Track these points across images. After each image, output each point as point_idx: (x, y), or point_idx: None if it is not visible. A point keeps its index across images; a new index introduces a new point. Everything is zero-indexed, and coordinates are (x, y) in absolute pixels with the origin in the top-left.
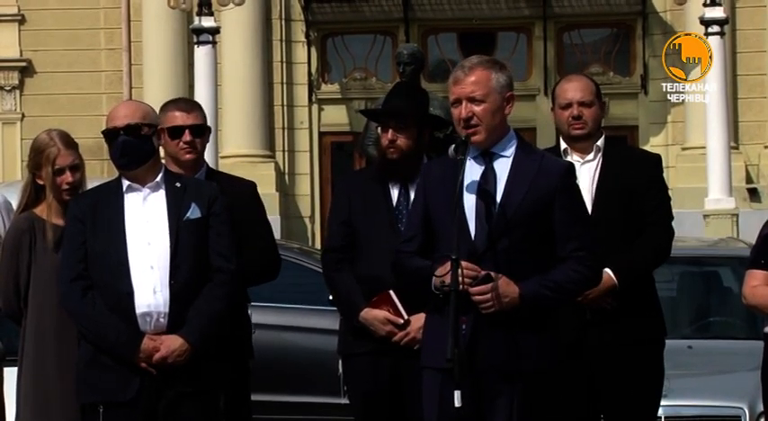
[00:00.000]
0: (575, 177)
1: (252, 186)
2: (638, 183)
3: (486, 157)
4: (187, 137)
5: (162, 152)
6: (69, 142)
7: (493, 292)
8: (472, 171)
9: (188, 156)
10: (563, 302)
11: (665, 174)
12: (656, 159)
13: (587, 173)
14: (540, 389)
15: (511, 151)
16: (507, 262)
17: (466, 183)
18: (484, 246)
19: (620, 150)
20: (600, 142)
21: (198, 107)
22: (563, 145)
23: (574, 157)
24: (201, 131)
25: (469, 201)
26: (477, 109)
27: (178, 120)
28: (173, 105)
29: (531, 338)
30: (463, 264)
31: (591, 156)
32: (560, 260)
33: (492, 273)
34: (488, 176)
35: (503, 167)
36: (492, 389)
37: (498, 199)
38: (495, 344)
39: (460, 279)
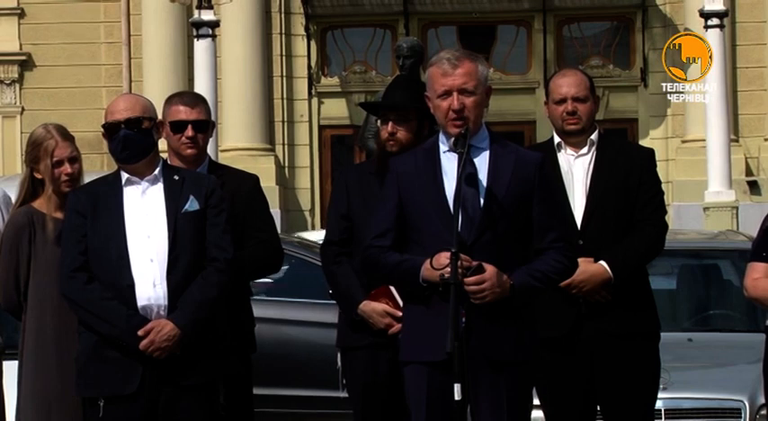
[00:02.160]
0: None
1: (254, 179)
2: (632, 177)
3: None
4: (189, 132)
5: (164, 145)
6: (66, 134)
7: (487, 283)
8: (450, 163)
9: (189, 151)
10: (545, 292)
11: (664, 167)
12: (650, 153)
13: (581, 167)
14: (526, 377)
15: (486, 143)
16: (494, 252)
17: (445, 175)
18: (472, 238)
19: (613, 144)
20: (594, 136)
21: (202, 102)
22: (557, 139)
23: (568, 152)
24: (204, 127)
25: (452, 192)
26: (468, 101)
27: (181, 115)
28: (177, 99)
29: (517, 328)
30: (445, 255)
31: (585, 150)
32: (539, 250)
33: (483, 264)
34: (471, 169)
35: (481, 159)
36: (480, 379)
37: (483, 190)
38: (487, 335)
39: (449, 270)
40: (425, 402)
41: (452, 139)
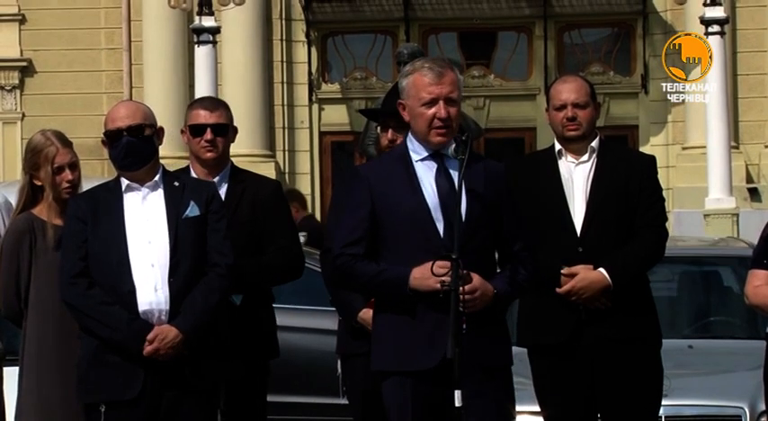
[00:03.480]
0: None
1: (275, 185)
2: (633, 184)
3: (438, 159)
4: (208, 135)
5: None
6: (65, 141)
7: (477, 291)
8: (425, 172)
9: (209, 154)
10: (517, 299)
11: (664, 174)
12: (651, 160)
13: (582, 174)
14: (510, 381)
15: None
16: (476, 261)
17: (422, 183)
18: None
19: (614, 151)
20: (594, 143)
21: (223, 106)
22: (557, 146)
23: (568, 159)
24: (224, 130)
25: (432, 200)
26: (452, 110)
27: (201, 119)
28: (198, 104)
29: (501, 334)
30: (443, 263)
31: (585, 157)
32: (510, 259)
33: (469, 273)
34: (447, 177)
35: (454, 169)
36: (470, 386)
37: (463, 200)
38: (479, 342)
39: (449, 279)
40: (410, 413)
41: (453, 146)
